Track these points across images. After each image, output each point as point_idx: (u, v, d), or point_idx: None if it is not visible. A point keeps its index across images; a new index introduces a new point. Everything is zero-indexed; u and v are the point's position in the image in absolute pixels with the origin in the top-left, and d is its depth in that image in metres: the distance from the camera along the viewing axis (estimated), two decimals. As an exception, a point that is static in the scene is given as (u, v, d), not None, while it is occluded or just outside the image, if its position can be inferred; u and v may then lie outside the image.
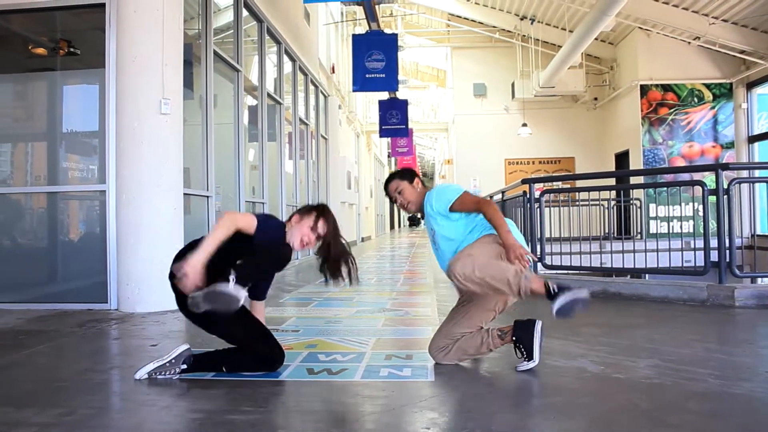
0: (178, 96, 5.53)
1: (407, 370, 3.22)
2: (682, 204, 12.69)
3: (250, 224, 2.92)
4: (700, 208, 13.12)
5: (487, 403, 2.65)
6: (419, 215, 3.56)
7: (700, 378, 2.93)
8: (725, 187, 5.48)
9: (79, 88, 6.62)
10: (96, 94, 6.31)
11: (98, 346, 4.19)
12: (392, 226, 40.36)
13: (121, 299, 5.41)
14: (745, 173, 9.73)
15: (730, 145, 14.13)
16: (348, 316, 5.08)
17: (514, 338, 3.11)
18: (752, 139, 13.96)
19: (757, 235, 8.12)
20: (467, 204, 3.22)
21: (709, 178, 8.45)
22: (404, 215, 57.22)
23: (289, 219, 3.20)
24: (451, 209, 3.22)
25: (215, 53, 7.07)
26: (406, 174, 3.55)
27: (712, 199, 5.59)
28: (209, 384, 2.97)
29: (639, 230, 13.47)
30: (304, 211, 3.20)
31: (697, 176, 9.32)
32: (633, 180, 12.54)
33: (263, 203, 9.03)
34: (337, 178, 14.73)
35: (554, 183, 10.99)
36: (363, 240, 20.23)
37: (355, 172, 18.07)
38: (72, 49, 6.50)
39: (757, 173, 9.54)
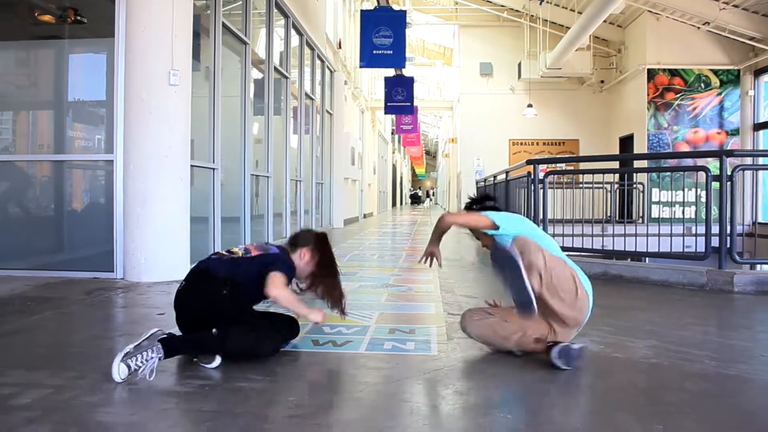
0: (187, 67, 5.55)
1: (410, 344, 3.29)
2: (685, 189, 12.71)
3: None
4: (703, 194, 13.11)
5: (488, 378, 2.72)
6: (426, 198, 3.52)
7: (697, 359, 2.99)
8: (729, 173, 5.50)
9: (86, 56, 6.62)
10: (104, 63, 6.33)
11: (106, 313, 4.27)
12: (394, 203, 40.43)
13: (127, 268, 5.47)
14: (748, 160, 9.75)
15: (735, 132, 14.11)
16: (351, 291, 5.12)
17: (549, 343, 2.83)
18: (757, 126, 13.93)
19: (759, 223, 8.14)
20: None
21: (712, 165, 8.48)
22: (406, 192, 57.27)
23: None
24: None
25: (224, 25, 7.06)
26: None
27: (715, 185, 5.61)
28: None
29: (641, 214, 13.51)
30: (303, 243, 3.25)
31: (700, 162, 9.34)
32: (636, 164, 12.56)
33: (268, 176, 9.06)
34: (341, 154, 14.74)
35: (558, 165, 11.00)
36: (365, 216, 20.28)
37: (359, 149, 18.06)
38: (79, 18, 6.48)
39: (760, 161, 9.55)
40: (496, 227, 3.04)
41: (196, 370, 2.68)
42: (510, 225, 3.07)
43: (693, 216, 7.23)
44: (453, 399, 2.42)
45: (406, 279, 5.97)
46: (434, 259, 3.34)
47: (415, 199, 58.23)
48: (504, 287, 2.92)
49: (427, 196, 63.68)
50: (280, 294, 2.89)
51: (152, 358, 2.58)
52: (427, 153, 59.11)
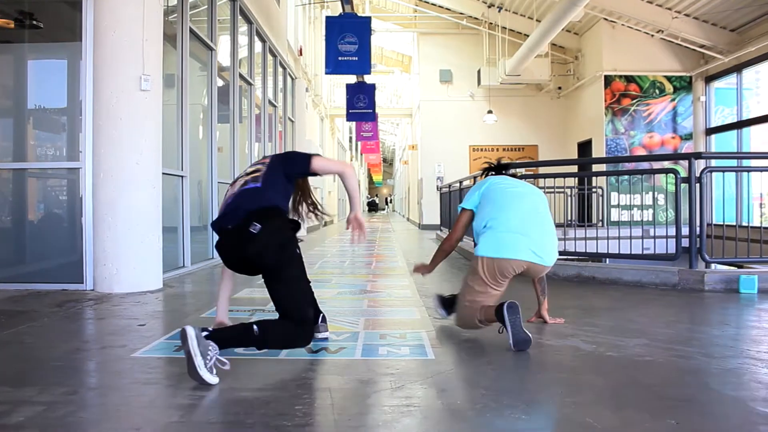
0: (159, 73, 5.42)
1: (404, 348, 3.26)
2: (643, 193, 13.03)
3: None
4: (660, 197, 13.40)
5: (493, 379, 2.71)
6: (378, 201, 3.91)
7: (689, 356, 3.04)
8: (697, 175, 5.65)
9: (50, 62, 6.41)
10: (68, 69, 6.15)
11: (83, 325, 4.11)
12: (353, 211, 40.20)
13: (98, 279, 5.30)
14: (712, 162, 10.02)
15: (689, 137, 14.54)
16: (331, 297, 5.08)
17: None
18: (709, 131, 14.39)
19: (715, 225, 8.37)
20: None
21: (669, 168, 8.70)
22: (364, 200, 57.20)
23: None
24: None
25: (191, 31, 6.93)
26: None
27: (671, 189, 5.75)
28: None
29: (600, 218, 13.77)
30: None
31: (657, 165, 9.59)
32: (597, 168, 12.79)
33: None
34: (303, 162, 14.57)
35: (518, 170, 11.15)
36: (326, 224, 20.18)
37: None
38: (35, 22, 6.28)
39: (713, 163, 9.84)
40: (468, 209, 3.79)
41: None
42: (471, 199, 3.78)
43: (651, 219, 7.41)
44: (467, 401, 2.39)
45: (383, 285, 5.95)
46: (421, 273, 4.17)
47: (372, 207, 58.26)
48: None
49: (386, 202, 63.75)
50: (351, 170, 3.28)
51: (216, 352, 2.58)
52: (384, 160, 59.23)
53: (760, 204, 12.37)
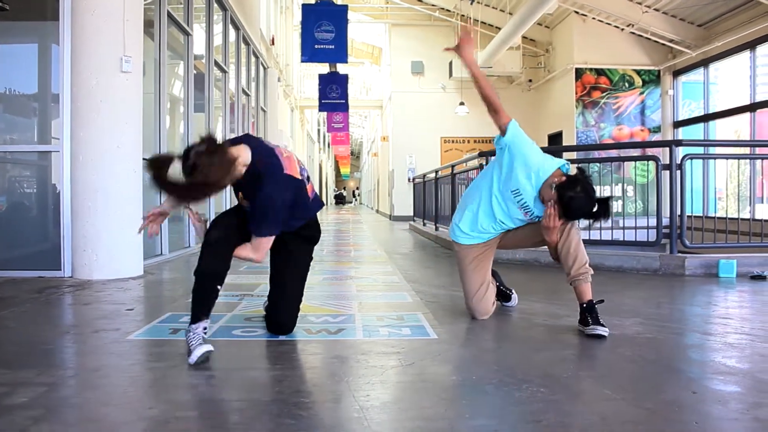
0: (139, 54, 5.29)
1: (405, 329, 3.23)
2: (612, 184, 13.20)
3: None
4: (629, 188, 13.57)
5: (501, 356, 2.71)
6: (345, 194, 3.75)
7: (687, 332, 3.10)
8: (678, 162, 5.73)
9: (23, 42, 6.19)
10: (35, 50, 5.97)
11: (68, 310, 4.00)
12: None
13: (77, 266, 5.15)
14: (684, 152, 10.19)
15: (657, 130, 14.79)
16: (318, 283, 5.03)
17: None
18: (677, 124, 14.67)
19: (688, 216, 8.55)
20: None
21: (639, 165, 8.85)
22: (330, 193, 57.02)
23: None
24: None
25: (168, 15, 6.78)
26: None
27: (640, 180, 5.83)
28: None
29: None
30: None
31: (650, 152, 9.72)
32: (567, 156, 12.92)
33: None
34: (274, 152, 14.44)
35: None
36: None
37: (290, 147, 17.82)
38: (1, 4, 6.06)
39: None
40: (503, 133, 3.29)
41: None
42: (510, 140, 3.28)
43: (621, 210, 7.48)
44: (480, 376, 2.38)
45: (368, 271, 5.92)
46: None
47: (340, 200, 58.10)
48: None
49: (353, 196, 63.66)
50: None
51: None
52: (351, 153, 59.06)
53: (718, 198, 12.68)
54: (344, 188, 66.57)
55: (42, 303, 4.07)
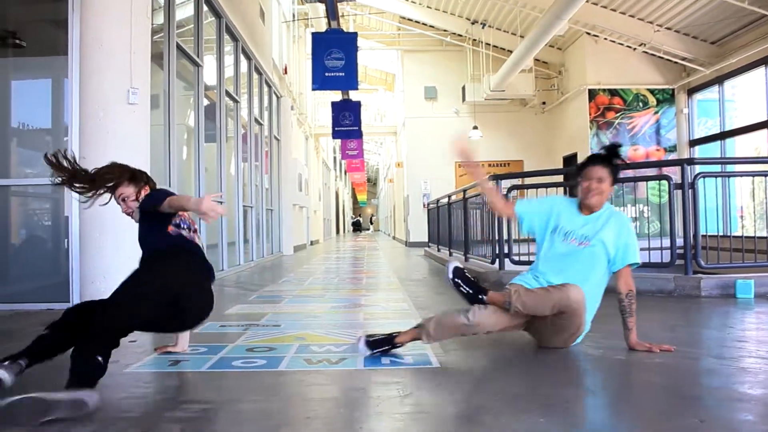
0: (146, 86, 5.33)
1: (408, 357, 3.16)
2: (627, 206, 13.04)
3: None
4: (645, 209, 13.40)
5: (503, 384, 2.62)
6: (362, 221, 3.76)
7: (699, 357, 2.99)
8: (690, 181, 5.63)
9: (32, 79, 6.30)
10: (49, 86, 6.06)
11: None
12: (338, 231, 40.22)
13: (84, 297, 5.13)
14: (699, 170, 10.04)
15: (673, 149, 14.63)
16: (325, 312, 4.99)
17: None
18: (693, 142, 14.50)
19: (704, 236, 8.41)
20: None
21: (653, 185, 8.69)
22: (348, 220, 57.07)
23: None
24: None
25: (178, 46, 6.86)
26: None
27: (654, 200, 5.72)
28: (202, 376, 2.84)
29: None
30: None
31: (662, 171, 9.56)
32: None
33: (221, 202, 8.82)
34: (289, 180, 14.55)
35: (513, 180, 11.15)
36: (312, 243, 20.05)
37: (305, 175, 17.90)
38: (17, 41, 6.18)
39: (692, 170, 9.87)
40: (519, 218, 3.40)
41: (191, 395, 2.48)
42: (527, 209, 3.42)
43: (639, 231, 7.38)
44: (476, 406, 2.30)
45: (377, 299, 5.85)
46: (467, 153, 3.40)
47: (357, 227, 58.15)
48: None
49: (370, 222, 63.77)
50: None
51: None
52: (368, 180, 59.23)
53: (741, 216, 12.45)
54: (360, 215, 66.66)
55: (47, 336, 4.04)
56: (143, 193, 3.11)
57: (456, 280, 3.29)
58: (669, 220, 5.83)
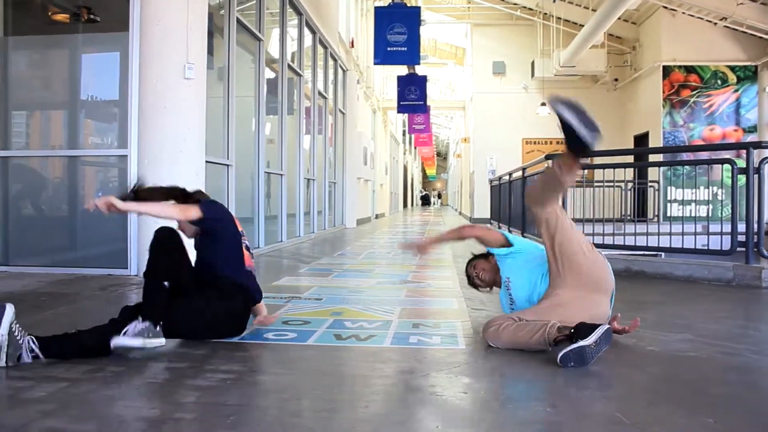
0: (203, 61, 5.47)
1: (436, 338, 3.18)
2: (700, 188, 12.52)
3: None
4: (719, 191, 12.84)
5: (521, 370, 2.60)
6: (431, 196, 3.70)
7: (736, 352, 2.87)
8: (756, 165, 5.35)
9: (100, 52, 6.55)
10: (117, 59, 6.26)
11: (120, 308, 4.17)
12: (405, 205, 40.31)
13: (142, 265, 5.33)
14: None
15: (753, 129, 13.90)
16: (370, 287, 5.04)
17: (572, 330, 2.66)
18: (776, 123, 13.74)
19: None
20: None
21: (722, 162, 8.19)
22: (417, 194, 57.11)
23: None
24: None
25: (238, 21, 6.98)
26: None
27: (727, 181, 5.46)
28: (234, 346, 2.94)
29: (656, 212, 13.33)
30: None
31: (726, 155, 9.13)
32: (652, 158, 12.37)
33: (282, 174, 8.99)
34: (353, 154, 14.65)
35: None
36: (377, 217, 20.19)
37: (371, 149, 17.96)
38: (92, 16, 6.42)
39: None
40: (510, 244, 3.31)
41: (217, 364, 2.58)
42: (523, 245, 3.32)
43: (705, 214, 7.01)
44: (487, 392, 2.30)
45: (424, 276, 5.87)
46: (416, 250, 3.66)
47: (426, 201, 58.13)
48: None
49: (439, 197, 63.55)
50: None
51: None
52: (438, 154, 58.92)
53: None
54: (432, 189, 66.52)
55: (101, 300, 4.28)
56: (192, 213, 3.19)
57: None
58: (731, 206, 5.58)
